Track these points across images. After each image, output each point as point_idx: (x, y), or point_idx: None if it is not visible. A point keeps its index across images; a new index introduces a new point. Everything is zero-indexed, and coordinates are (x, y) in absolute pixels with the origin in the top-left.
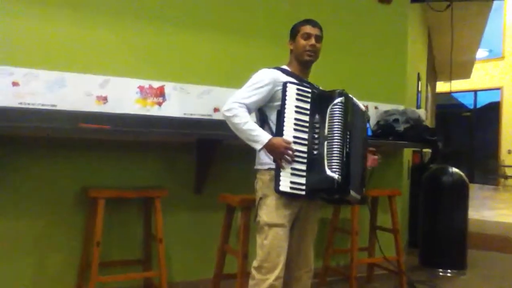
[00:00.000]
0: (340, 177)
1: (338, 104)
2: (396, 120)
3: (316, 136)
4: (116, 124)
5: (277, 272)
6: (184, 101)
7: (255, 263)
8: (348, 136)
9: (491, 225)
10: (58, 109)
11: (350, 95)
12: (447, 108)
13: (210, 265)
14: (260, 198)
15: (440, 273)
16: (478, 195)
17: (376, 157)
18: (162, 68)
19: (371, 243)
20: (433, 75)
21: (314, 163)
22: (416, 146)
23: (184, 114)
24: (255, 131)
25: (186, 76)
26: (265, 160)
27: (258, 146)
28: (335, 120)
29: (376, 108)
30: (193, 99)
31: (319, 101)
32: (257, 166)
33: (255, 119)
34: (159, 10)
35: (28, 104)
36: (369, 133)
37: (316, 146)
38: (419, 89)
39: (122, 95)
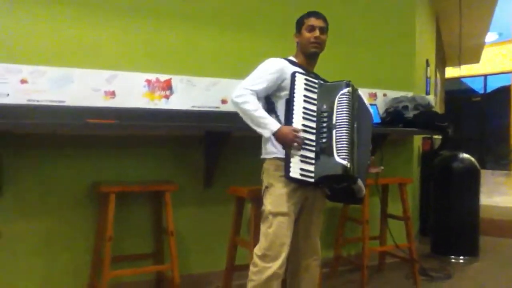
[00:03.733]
0: (349, 163)
1: (346, 94)
2: (405, 107)
3: (324, 125)
4: (124, 119)
5: (280, 260)
6: (191, 94)
7: (258, 251)
8: (355, 125)
9: (503, 211)
10: (67, 105)
11: (356, 87)
12: (457, 93)
13: (222, 257)
14: (266, 187)
15: (453, 260)
16: (490, 180)
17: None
18: (168, 61)
19: (382, 231)
20: (442, 60)
21: (322, 151)
22: (426, 133)
23: (192, 106)
24: (266, 119)
25: (193, 68)
26: (271, 149)
27: (267, 133)
28: (344, 109)
29: (385, 95)
30: (201, 92)
31: (326, 91)
32: (263, 156)
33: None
34: (164, 4)
35: (37, 101)
36: (377, 120)
37: (324, 135)
38: (428, 75)
39: (129, 90)
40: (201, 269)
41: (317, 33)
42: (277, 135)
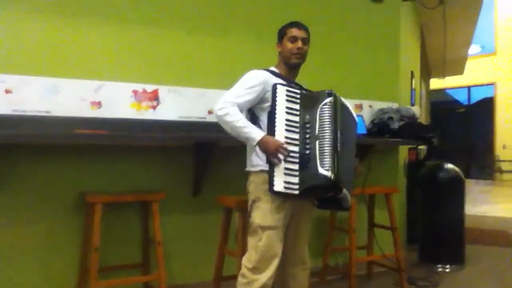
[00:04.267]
0: (332, 174)
1: (328, 104)
2: (391, 118)
3: (307, 136)
4: (111, 129)
5: (270, 272)
6: (178, 104)
7: (247, 263)
8: (339, 135)
9: (488, 220)
10: (53, 115)
11: (339, 96)
12: (442, 104)
13: (210, 267)
14: (253, 201)
15: (439, 269)
16: (475, 190)
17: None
18: (155, 71)
19: (369, 241)
20: (427, 72)
21: (306, 162)
22: (411, 143)
23: (180, 117)
24: (248, 128)
25: (180, 79)
26: (256, 162)
27: (253, 143)
28: (325, 120)
29: (370, 106)
30: (188, 102)
31: (308, 102)
32: (249, 168)
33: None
34: (151, 14)
35: (22, 111)
36: (363, 131)
37: (307, 146)
38: (413, 87)
39: (116, 100)
40: (189, 280)
41: (299, 44)
42: (261, 144)
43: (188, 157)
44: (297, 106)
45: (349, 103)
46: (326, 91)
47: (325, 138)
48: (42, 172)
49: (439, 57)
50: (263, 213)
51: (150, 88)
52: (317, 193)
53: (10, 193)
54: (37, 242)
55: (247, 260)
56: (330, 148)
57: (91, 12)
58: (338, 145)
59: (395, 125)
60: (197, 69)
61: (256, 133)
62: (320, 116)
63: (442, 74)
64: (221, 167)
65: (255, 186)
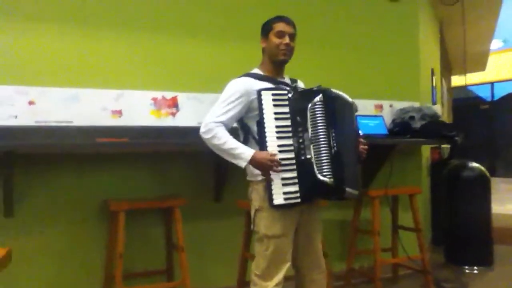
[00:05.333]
0: (332, 179)
1: (317, 103)
2: (412, 117)
3: (301, 140)
4: (132, 137)
5: (277, 279)
6: (198, 110)
7: (256, 271)
8: (333, 134)
9: None
10: (75, 125)
11: (329, 88)
12: (464, 102)
13: (233, 272)
14: (257, 210)
15: (467, 270)
16: (502, 188)
17: (365, 147)
18: (174, 78)
19: (394, 243)
20: (448, 69)
21: (304, 168)
22: (434, 143)
23: (199, 123)
24: (237, 149)
25: (199, 85)
26: (257, 171)
27: (242, 164)
28: (317, 121)
29: (391, 106)
30: (207, 108)
31: (298, 102)
32: (250, 178)
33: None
34: (168, 21)
35: (45, 122)
36: (384, 131)
37: (303, 151)
38: (434, 85)
39: (136, 108)
40: (212, 284)
41: (287, 39)
42: (252, 163)
43: (208, 163)
44: (286, 109)
45: (369, 103)
46: (314, 89)
47: (320, 141)
48: (65, 181)
49: (459, 53)
50: (267, 223)
51: (169, 95)
52: (319, 198)
53: (34, 202)
54: (61, 250)
55: (256, 267)
56: (326, 151)
57: (110, 22)
58: (334, 145)
59: (417, 124)
60: (216, 76)
61: (245, 153)
62: (311, 117)
63: (463, 71)
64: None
65: (257, 195)
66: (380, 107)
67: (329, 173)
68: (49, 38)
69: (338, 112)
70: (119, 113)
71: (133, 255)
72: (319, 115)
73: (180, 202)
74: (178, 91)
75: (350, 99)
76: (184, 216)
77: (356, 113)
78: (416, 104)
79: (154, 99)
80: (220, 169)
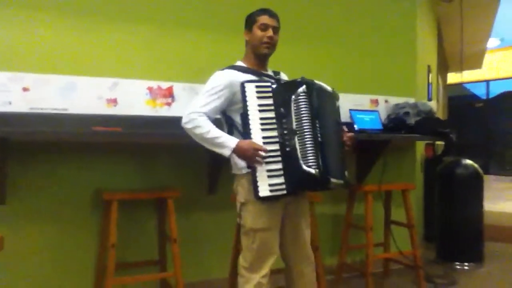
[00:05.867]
0: (317, 170)
1: (301, 94)
2: (407, 113)
3: (285, 131)
4: (127, 126)
5: (264, 270)
6: (193, 101)
7: (244, 263)
8: (317, 125)
9: (508, 217)
10: (70, 113)
11: (312, 80)
12: (460, 99)
13: (225, 264)
14: (242, 203)
15: (458, 267)
16: (494, 186)
17: (351, 134)
18: (170, 68)
19: (386, 238)
20: (444, 66)
21: (289, 159)
22: (428, 139)
23: None
24: (220, 138)
25: (195, 76)
26: (242, 164)
27: (227, 152)
28: (302, 112)
29: (386, 101)
30: None
31: (282, 93)
32: (235, 171)
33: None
34: (164, 11)
35: (40, 109)
36: (379, 126)
37: (287, 142)
38: (430, 81)
39: (131, 97)
40: (205, 276)
41: (270, 32)
42: (236, 152)
43: (203, 154)
44: (270, 101)
45: (365, 98)
46: (297, 80)
47: (304, 132)
48: (59, 169)
49: (456, 51)
50: (253, 216)
51: (165, 85)
52: (305, 189)
53: (28, 191)
54: (53, 239)
55: (243, 260)
56: (311, 141)
57: (106, 11)
58: (319, 135)
59: (412, 120)
60: (212, 66)
61: (229, 142)
62: (295, 109)
63: (460, 68)
64: None
65: (242, 189)
66: (375, 102)
67: (314, 163)
68: (46, 26)
69: (322, 103)
70: (114, 102)
71: (126, 246)
72: (303, 106)
73: (173, 193)
74: (174, 81)
75: (331, 89)
76: (177, 207)
77: (338, 102)
78: (412, 100)
79: (150, 89)
80: (215, 161)
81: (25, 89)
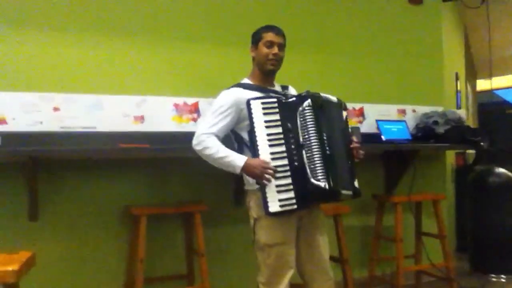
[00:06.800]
0: (326, 183)
1: (306, 108)
2: (436, 122)
3: (293, 146)
4: (153, 142)
5: (283, 285)
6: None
7: (261, 279)
8: (325, 137)
9: None
10: (98, 130)
11: (317, 93)
12: (490, 106)
13: (253, 277)
14: (255, 219)
15: (493, 279)
16: None
17: (360, 150)
18: (195, 84)
19: (417, 249)
20: (473, 73)
21: (298, 174)
22: (458, 148)
23: None
24: (229, 157)
25: (220, 91)
26: (253, 180)
27: (236, 170)
28: (308, 125)
29: (414, 111)
30: None
31: (287, 109)
32: (247, 187)
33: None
34: (189, 28)
35: (69, 127)
36: (407, 136)
37: (295, 157)
38: (458, 89)
39: (158, 114)
40: None
41: (275, 49)
42: (245, 170)
43: None
44: (277, 117)
45: (392, 108)
46: (303, 94)
47: (312, 145)
48: (88, 186)
49: (485, 57)
50: (267, 231)
51: (190, 101)
52: (316, 203)
53: (58, 207)
54: (83, 254)
55: (260, 276)
56: (319, 155)
57: (131, 29)
58: (327, 148)
59: (441, 129)
60: (236, 80)
61: (237, 160)
62: (301, 123)
63: (489, 75)
64: None
65: (255, 204)
66: (403, 111)
67: (323, 176)
68: (73, 47)
69: (328, 115)
70: (141, 119)
71: (154, 260)
72: (309, 119)
73: (200, 207)
74: (199, 97)
75: (337, 99)
76: (204, 220)
77: (346, 112)
78: (440, 109)
79: (176, 105)
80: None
81: (55, 109)
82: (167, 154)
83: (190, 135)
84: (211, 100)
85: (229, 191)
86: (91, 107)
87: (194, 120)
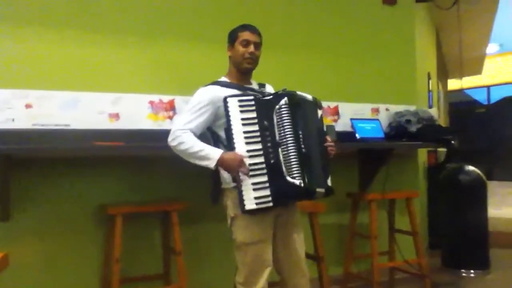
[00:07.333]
0: (301, 181)
1: (283, 106)
2: (408, 121)
3: (269, 144)
4: (129, 140)
5: (260, 284)
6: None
7: (239, 278)
8: (300, 136)
9: None
10: (72, 128)
11: (294, 91)
12: (461, 105)
13: (230, 276)
14: (232, 218)
15: (464, 274)
16: (499, 192)
17: (333, 148)
18: (171, 82)
19: (391, 247)
20: (444, 73)
21: (274, 172)
22: (431, 146)
23: None
24: (204, 150)
25: (196, 88)
26: (229, 179)
27: (211, 164)
28: (284, 123)
29: (387, 109)
30: None
31: (264, 107)
32: (224, 185)
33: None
34: (166, 26)
35: (42, 125)
36: (380, 134)
37: (272, 155)
38: (430, 88)
39: (133, 111)
40: None
41: (251, 48)
42: (221, 163)
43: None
44: (254, 114)
45: (366, 107)
46: (279, 92)
47: (288, 143)
48: (62, 185)
49: (456, 57)
50: (244, 230)
51: (166, 98)
52: (290, 200)
53: (31, 206)
54: (58, 254)
55: (238, 276)
56: (295, 153)
57: (108, 26)
58: (302, 146)
59: (413, 128)
60: (212, 79)
61: (213, 153)
62: (278, 120)
63: (460, 75)
64: None
65: (232, 203)
66: (376, 110)
67: (298, 174)
68: (48, 42)
69: (304, 113)
70: (116, 116)
71: (131, 260)
72: (285, 117)
73: (178, 206)
74: (175, 94)
75: (312, 98)
76: (181, 219)
77: (321, 111)
78: (412, 108)
79: (151, 103)
80: (217, 172)
81: (28, 106)
82: (143, 152)
83: (166, 133)
84: (187, 98)
85: (206, 190)
86: (65, 104)
87: (170, 118)
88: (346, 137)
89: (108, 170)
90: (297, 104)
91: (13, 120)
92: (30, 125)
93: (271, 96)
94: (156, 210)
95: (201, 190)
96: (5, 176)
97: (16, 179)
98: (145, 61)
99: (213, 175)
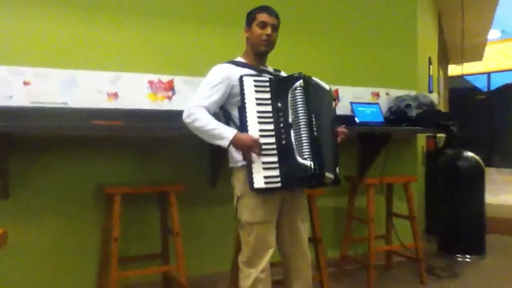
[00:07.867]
0: (312, 163)
1: (298, 88)
2: (408, 106)
3: (281, 125)
4: (127, 120)
5: (261, 265)
6: (194, 94)
7: (242, 258)
8: (313, 119)
9: (510, 209)
10: (70, 107)
11: (310, 76)
12: (461, 91)
13: (228, 257)
14: (239, 197)
15: (459, 259)
16: (497, 179)
17: (345, 130)
18: (170, 62)
19: (388, 231)
20: (445, 58)
21: (284, 152)
22: (430, 132)
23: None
24: (218, 129)
25: (195, 69)
26: (237, 158)
27: (225, 143)
28: (298, 105)
29: (387, 94)
30: None
31: (279, 88)
32: (231, 164)
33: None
34: (166, 5)
35: (40, 103)
36: (380, 119)
37: (283, 136)
38: (431, 73)
39: (132, 91)
40: (207, 270)
41: (268, 30)
42: (234, 143)
43: (204, 147)
44: (268, 95)
45: (366, 91)
46: (295, 75)
47: (300, 125)
48: (60, 164)
49: (457, 43)
50: (249, 209)
51: (165, 78)
52: (299, 183)
53: (30, 186)
54: (57, 234)
55: (241, 255)
56: (306, 135)
57: (107, 5)
58: (315, 129)
59: (413, 112)
60: (212, 60)
61: (227, 133)
62: (291, 102)
63: (460, 60)
64: None
65: (239, 182)
66: (376, 94)
67: (309, 156)
68: (47, 20)
69: (318, 98)
70: (115, 95)
71: (129, 240)
72: (299, 100)
73: (176, 187)
74: (175, 74)
75: (328, 87)
76: (179, 201)
77: (334, 102)
78: (413, 93)
79: (150, 82)
80: (216, 154)
81: (26, 83)
82: (141, 132)
83: (165, 114)
84: (187, 78)
85: (205, 171)
86: (63, 83)
87: (169, 98)
88: (345, 121)
89: (107, 150)
90: (312, 88)
91: (11, 97)
92: (28, 103)
93: (286, 78)
94: (155, 191)
95: (199, 171)
96: (3, 154)
97: (15, 157)
98: (145, 40)
99: (212, 158)
